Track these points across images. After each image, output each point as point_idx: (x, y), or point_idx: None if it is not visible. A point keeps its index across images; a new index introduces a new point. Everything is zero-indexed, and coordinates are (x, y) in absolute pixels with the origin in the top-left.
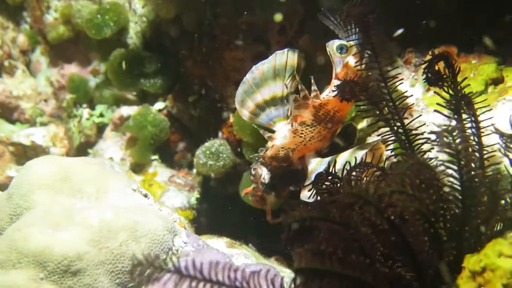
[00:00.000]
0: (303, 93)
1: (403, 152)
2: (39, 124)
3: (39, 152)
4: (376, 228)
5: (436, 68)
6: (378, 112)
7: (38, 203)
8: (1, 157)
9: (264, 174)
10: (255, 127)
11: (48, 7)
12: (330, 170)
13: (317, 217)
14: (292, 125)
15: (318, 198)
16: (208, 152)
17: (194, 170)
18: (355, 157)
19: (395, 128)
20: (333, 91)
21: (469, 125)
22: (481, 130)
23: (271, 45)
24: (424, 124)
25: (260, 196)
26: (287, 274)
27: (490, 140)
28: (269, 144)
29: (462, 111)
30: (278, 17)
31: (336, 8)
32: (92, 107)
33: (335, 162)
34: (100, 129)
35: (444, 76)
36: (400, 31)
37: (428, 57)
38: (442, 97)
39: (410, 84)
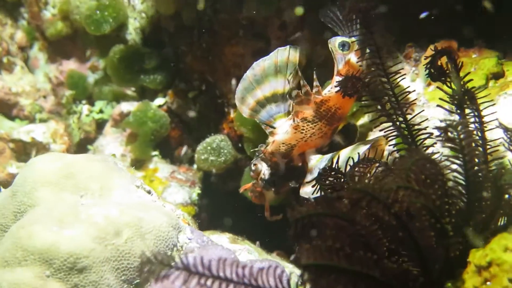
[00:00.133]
0: (305, 89)
1: (407, 147)
2: (38, 120)
3: (39, 148)
4: (383, 224)
5: (439, 63)
6: (380, 107)
7: (43, 200)
8: (1, 154)
9: (264, 170)
10: (257, 122)
11: (46, 3)
12: (333, 166)
13: (324, 213)
14: (293, 120)
15: (322, 194)
16: (209, 147)
17: (195, 166)
18: (358, 153)
19: (398, 123)
20: (335, 86)
21: (472, 119)
22: (484, 125)
23: (271, 41)
24: (427, 119)
25: (259, 192)
26: (289, 269)
27: (493, 134)
28: (270, 139)
29: (465, 106)
30: (299, 10)
31: (338, 4)
32: (91, 103)
33: (338, 158)
34: (100, 125)
35: (447, 71)
36: (424, 14)
37: (430, 52)
38: (445, 92)
39: (411, 79)
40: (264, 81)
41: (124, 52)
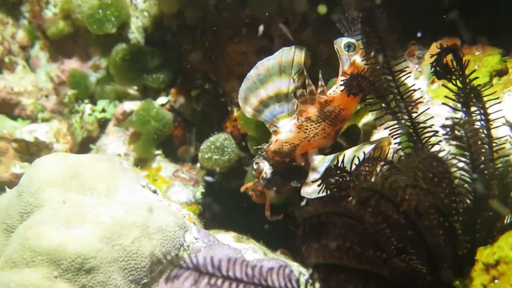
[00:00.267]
0: (310, 88)
1: (413, 146)
2: (40, 120)
3: (42, 148)
4: (391, 222)
5: (444, 61)
6: (385, 106)
7: (49, 201)
8: (4, 153)
9: (266, 168)
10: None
11: (47, 2)
12: (339, 165)
13: (332, 212)
14: (297, 120)
15: (327, 193)
16: (213, 146)
17: (198, 164)
18: (364, 152)
19: (403, 121)
20: (341, 85)
21: (477, 117)
22: (490, 123)
23: (274, 39)
24: (432, 117)
25: (260, 191)
26: (295, 267)
27: (499, 132)
28: (273, 138)
29: (471, 103)
30: (322, 8)
31: (343, 3)
32: (93, 102)
33: (344, 157)
34: (102, 124)
35: (452, 69)
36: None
37: (434, 50)
38: (451, 90)
39: (414, 77)
40: (268, 80)
41: (127, 51)
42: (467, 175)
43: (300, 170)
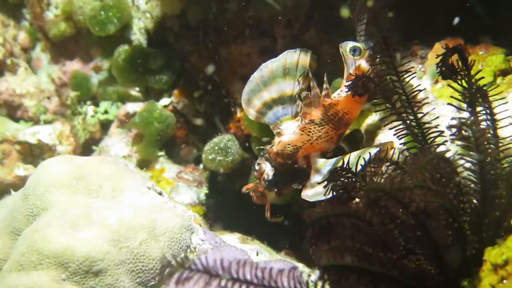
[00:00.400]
0: (315, 91)
1: (419, 146)
2: (42, 121)
3: (45, 150)
4: (399, 223)
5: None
6: (390, 106)
7: (55, 203)
8: (8, 156)
9: (268, 170)
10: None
11: (48, 3)
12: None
13: (341, 213)
14: (301, 122)
15: (332, 194)
16: (216, 147)
17: (201, 166)
18: (369, 152)
19: (408, 121)
20: (345, 86)
21: (483, 117)
22: (496, 123)
23: (277, 39)
24: (438, 117)
25: (261, 192)
26: (300, 268)
27: (504, 132)
28: (276, 140)
29: (477, 103)
30: (345, 12)
31: (348, 4)
32: (95, 104)
33: (349, 158)
34: (105, 126)
35: (458, 70)
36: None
37: (437, 49)
38: (457, 90)
39: (418, 76)
40: (272, 82)
41: (129, 53)
42: (474, 175)
43: (302, 172)
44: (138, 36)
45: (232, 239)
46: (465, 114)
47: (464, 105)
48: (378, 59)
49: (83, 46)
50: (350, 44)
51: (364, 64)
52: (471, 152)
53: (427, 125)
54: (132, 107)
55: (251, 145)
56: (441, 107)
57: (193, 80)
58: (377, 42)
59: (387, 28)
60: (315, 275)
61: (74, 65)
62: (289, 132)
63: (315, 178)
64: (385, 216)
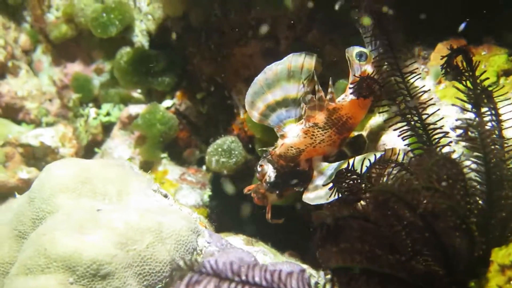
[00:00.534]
0: (319, 95)
1: (424, 147)
2: (44, 124)
3: (48, 153)
4: (406, 225)
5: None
6: (395, 107)
7: (61, 207)
8: (11, 159)
9: (270, 172)
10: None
11: (49, 6)
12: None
13: (350, 215)
14: (305, 125)
15: (339, 196)
16: (220, 149)
17: (204, 167)
18: (375, 155)
19: (412, 122)
20: (350, 88)
21: (488, 118)
22: (502, 123)
23: (280, 40)
24: (443, 118)
25: (262, 194)
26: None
27: (509, 133)
28: (279, 142)
29: (483, 104)
30: (367, 20)
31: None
32: (97, 106)
33: (354, 160)
34: (107, 128)
35: (463, 70)
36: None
37: (440, 50)
38: (462, 91)
39: (421, 77)
40: (276, 85)
41: (132, 55)
42: (480, 176)
43: (304, 175)
44: (140, 38)
45: (237, 241)
46: (469, 115)
47: (468, 106)
48: (383, 62)
49: (84, 48)
50: (356, 49)
51: (370, 70)
52: (477, 153)
53: (431, 126)
54: (135, 109)
55: (254, 147)
56: (444, 107)
57: (195, 81)
58: (382, 44)
59: (392, 29)
60: (320, 276)
61: (75, 67)
62: (292, 134)
63: (317, 181)
64: (393, 218)
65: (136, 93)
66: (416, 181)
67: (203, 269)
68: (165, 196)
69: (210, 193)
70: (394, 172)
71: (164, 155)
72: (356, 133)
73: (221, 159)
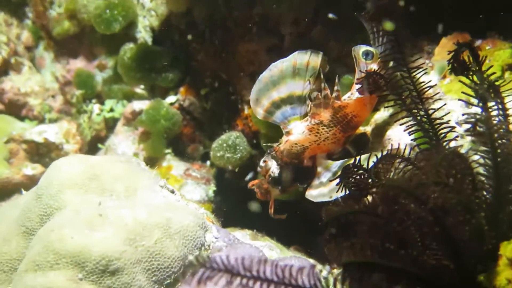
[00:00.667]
0: (325, 92)
1: (431, 142)
2: (47, 120)
3: (52, 149)
4: (416, 219)
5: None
6: (401, 102)
7: (69, 203)
8: (15, 155)
9: (273, 168)
10: None
11: (51, 2)
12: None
13: (361, 211)
14: (310, 122)
15: (345, 192)
16: (225, 144)
17: (208, 162)
18: (382, 152)
19: (419, 117)
20: (356, 84)
21: (495, 112)
22: (509, 118)
23: (284, 37)
24: (449, 112)
25: (265, 189)
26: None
27: None
28: (284, 138)
29: (491, 98)
30: (389, 25)
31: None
32: (100, 102)
33: (360, 157)
34: (110, 124)
35: (469, 65)
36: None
37: (444, 44)
38: (468, 86)
39: (426, 72)
40: (281, 82)
41: (135, 51)
42: (488, 170)
43: (307, 171)
44: (143, 34)
45: (243, 235)
46: (475, 109)
47: (474, 101)
48: (390, 57)
49: (87, 44)
50: (363, 48)
51: (376, 68)
52: (485, 148)
53: (438, 121)
54: (139, 105)
55: (259, 142)
56: (449, 102)
57: (199, 77)
58: (388, 39)
59: (398, 25)
60: (326, 270)
61: (78, 64)
62: (297, 131)
63: (321, 178)
64: (402, 213)
65: (140, 89)
66: (423, 176)
67: (215, 265)
68: (172, 191)
69: (214, 188)
70: (401, 167)
71: (168, 150)
72: (360, 130)
73: (226, 155)
